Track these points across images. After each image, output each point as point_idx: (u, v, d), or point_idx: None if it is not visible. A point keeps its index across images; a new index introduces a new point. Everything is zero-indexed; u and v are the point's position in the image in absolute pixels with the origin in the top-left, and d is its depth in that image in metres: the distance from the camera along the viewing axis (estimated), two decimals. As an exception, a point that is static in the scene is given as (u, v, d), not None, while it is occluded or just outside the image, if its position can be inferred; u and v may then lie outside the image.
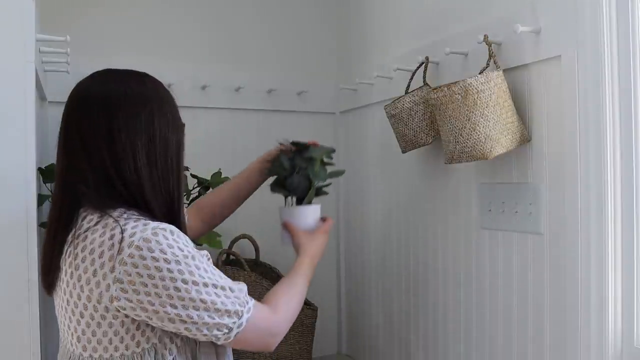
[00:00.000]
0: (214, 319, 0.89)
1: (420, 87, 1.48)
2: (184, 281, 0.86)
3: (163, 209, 0.96)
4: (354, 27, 2.06)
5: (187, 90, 1.91)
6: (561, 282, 1.17)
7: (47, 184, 1.58)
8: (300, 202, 1.32)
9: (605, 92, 1.08)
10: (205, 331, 0.89)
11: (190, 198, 1.69)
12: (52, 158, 1.68)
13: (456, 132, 1.23)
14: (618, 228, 1.08)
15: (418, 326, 1.67)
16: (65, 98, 1.81)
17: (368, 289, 1.97)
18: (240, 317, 0.91)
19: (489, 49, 1.26)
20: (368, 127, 1.94)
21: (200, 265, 0.89)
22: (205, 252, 0.95)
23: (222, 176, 1.70)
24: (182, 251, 0.88)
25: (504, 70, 1.25)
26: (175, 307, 0.86)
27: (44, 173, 1.53)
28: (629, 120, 1.07)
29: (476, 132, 1.20)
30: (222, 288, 0.90)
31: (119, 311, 0.88)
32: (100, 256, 0.87)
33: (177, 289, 0.86)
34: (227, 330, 0.91)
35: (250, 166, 1.42)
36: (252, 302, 0.95)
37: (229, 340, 0.92)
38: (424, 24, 1.62)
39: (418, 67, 1.53)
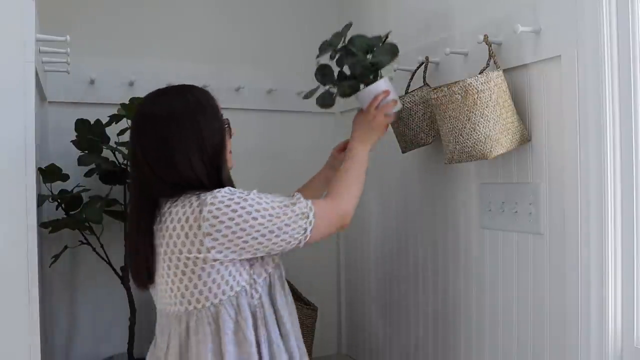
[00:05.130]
0: (289, 225, 1.09)
1: (420, 87, 1.48)
2: (257, 210, 1.07)
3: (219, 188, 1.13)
4: (353, 27, 2.05)
5: (187, 90, 1.91)
6: (561, 282, 1.17)
7: (47, 184, 1.58)
8: None
9: (605, 92, 1.08)
10: (289, 238, 1.10)
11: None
12: (52, 158, 1.69)
13: (456, 132, 1.23)
14: (618, 228, 1.08)
15: (418, 326, 1.67)
16: (65, 98, 1.83)
17: (368, 289, 1.97)
18: (308, 217, 1.12)
19: (489, 49, 1.26)
20: (368, 127, 1.93)
21: (261, 196, 1.10)
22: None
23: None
24: (243, 194, 1.09)
25: (504, 70, 1.25)
26: (259, 231, 1.07)
27: (44, 173, 1.53)
28: (629, 120, 1.07)
29: (476, 132, 1.20)
30: (286, 205, 1.11)
31: (215, 261, 1.07)
32: (187, 221, 1.06)
33: (254, 218, 1.06)
34: (303, 231, 1.11)
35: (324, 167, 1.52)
36: (309, 202, 1.14)
37: (307, 239, 1.13)
38: (424, 24, 1.62)
39: (418, 67, 1.53)
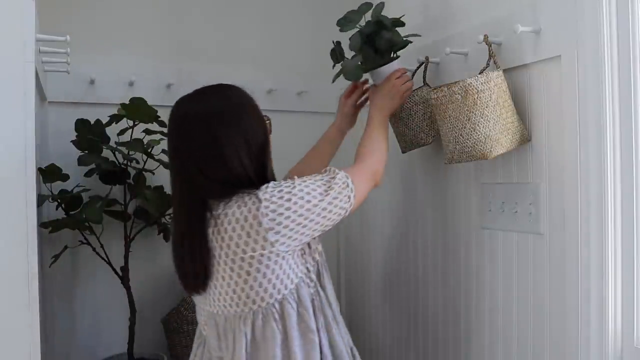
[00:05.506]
0: (337, 198, 1.13)
1: (420, 87, 1.48)
2: (307, 193, 1.11)
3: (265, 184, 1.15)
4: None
5: (187, 90, 1.89)
6: (561, 282, 1.17)
7: (47, 184, 1.58)
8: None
9: (605, 92, 1.08)
10: (339, 210, 1.14)
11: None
12: (52, 158, 1.69)
13: (456, 132, 1.23)
14: (618, 228, 1.08)
15: (418, 326, 1.67)
16: (65, 98, 1.83)
17: (368, 289, 1.97)
18: (348, 185, 1.16)
19: (489, 49, 1.26)
20: (368, 127, 1.93)
21: (304, 180, 1.13)
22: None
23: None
24: (288, 183, 1.12)
25: (504, 70, 1.25)
26: (314, 212, 1.10)
27: (44, 173, 1.53)
28: (629, 120, 1.07)
29: (476, 132, 1.20)
30: (328, 181, 1.15)
31: (278, 255, 1.09)
32: (246, 220, 1.07)
33: (308, 201, 1.10)
34: (348, 199, 1.16)
35: (329, 129, 1.59)
36: (343, 172, 1.18)
37: (353, 205, 1.17)
38: (424, 24, 1.62)
39: (418, 67, 1.53)
